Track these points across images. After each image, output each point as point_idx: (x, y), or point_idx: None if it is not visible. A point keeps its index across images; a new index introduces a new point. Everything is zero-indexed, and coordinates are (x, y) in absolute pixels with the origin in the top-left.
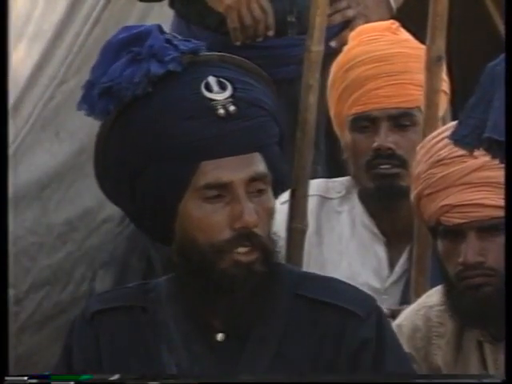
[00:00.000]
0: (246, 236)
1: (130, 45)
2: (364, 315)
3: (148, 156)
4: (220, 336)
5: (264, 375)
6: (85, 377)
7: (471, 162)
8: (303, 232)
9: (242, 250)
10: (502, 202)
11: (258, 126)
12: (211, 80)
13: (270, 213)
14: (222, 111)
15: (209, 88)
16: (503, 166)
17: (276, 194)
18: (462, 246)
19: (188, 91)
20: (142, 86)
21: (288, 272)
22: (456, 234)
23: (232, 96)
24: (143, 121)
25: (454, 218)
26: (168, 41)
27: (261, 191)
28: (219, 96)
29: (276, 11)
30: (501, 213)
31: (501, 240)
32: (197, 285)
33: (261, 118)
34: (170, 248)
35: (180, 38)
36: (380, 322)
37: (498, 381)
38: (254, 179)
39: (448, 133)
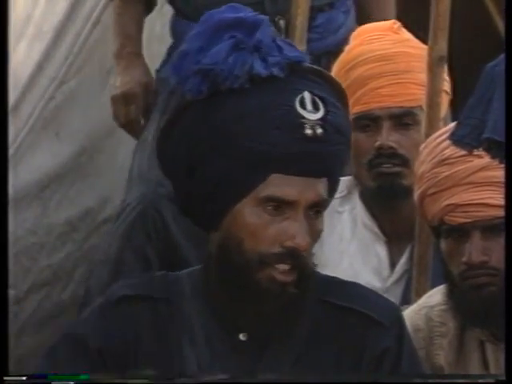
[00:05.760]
0: (291, 255)
1: (233, 28)
2: (388, 324)
3: (222, 150)
4: (242, 335)
5: (282, 376)
6: (83, 377)
7: (476, 162)
8: None
9: (282, 267)
10: None
11: (336, 153)
12: (307, 97)
13: (317, 235)
14: (309, 131)
15: (303, 104)
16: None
17: None
18: (465, 246)
19: (281, 101)
20: (240, 81)
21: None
22: (460, 233)
23: (322, 119)
24: (228, 115)
25: (458, 218)
26: (274, 39)
27: (317, 213)
28: (311, 116)
29: (268, 13)
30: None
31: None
32: (229, 283)
33: (340, 146)
34: (208, 237)
35: (282, 39)
36: (402, 332)
37: (498, 380)
38: (316, 204)
39: None
